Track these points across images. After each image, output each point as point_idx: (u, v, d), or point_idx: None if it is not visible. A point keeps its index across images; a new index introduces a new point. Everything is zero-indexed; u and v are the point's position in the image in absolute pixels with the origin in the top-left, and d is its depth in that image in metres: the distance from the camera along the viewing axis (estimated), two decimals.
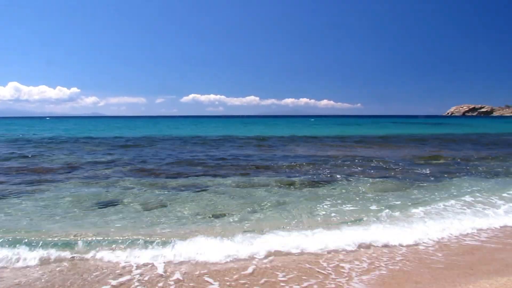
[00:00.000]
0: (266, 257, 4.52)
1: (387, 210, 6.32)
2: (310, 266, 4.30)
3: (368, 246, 4.93)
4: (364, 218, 6.01)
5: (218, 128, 45.72)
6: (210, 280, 3.94)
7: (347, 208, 6.75)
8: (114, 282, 3.87)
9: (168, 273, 4.08)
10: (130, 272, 4.11)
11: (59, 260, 4.42)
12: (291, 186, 8.75)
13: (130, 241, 4.81)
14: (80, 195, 7.67)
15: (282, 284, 3.86)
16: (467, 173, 10.37)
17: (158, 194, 7.89)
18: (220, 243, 4.77)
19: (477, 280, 3.93)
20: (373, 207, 6.78)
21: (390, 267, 4.32)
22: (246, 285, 3.83)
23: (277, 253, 4.62)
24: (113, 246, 4.69)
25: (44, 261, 4.38)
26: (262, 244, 4.76)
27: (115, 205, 7.01)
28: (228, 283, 3.87)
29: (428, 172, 10.67)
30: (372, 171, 10.97)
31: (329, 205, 6.88)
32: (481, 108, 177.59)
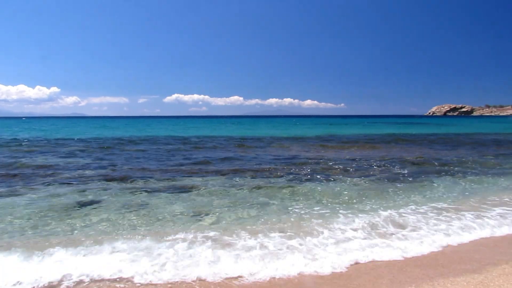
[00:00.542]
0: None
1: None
2: None
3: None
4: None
5: (200, 129, 45.36)
6: None
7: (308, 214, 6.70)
8: None
9: None
10: None
11: None
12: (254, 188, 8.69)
13: None
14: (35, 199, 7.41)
15: None
16: (442, 175, 10.46)
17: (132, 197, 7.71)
18: None
19: (454, 279, 3.95)
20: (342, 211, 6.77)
21: None
22: None
23: None
24: None
25: None
26: None
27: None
28: None
29: (406, 172, 10.78)
30: (351, 170, 11.08)
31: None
32: (461, 108, 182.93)
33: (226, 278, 3.99)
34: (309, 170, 10.96)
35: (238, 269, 4.14)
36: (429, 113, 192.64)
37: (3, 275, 3.93)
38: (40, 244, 4.90)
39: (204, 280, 3.93)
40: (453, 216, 6.23)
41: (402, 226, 5.73)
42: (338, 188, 8.46)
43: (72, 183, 8.91)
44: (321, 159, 13.56)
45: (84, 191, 8.13)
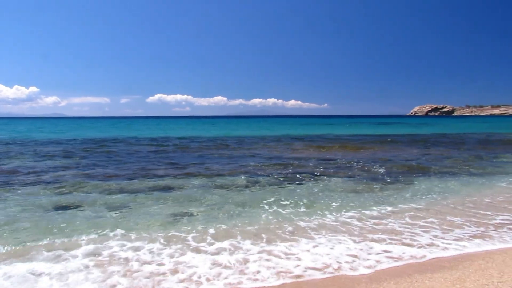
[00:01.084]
0: None
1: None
2: None
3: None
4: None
5: (182, 129, 44.97)
6: None
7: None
8: None
9: None
10: None
11: None
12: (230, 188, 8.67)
13: None
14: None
15: None
16: (421, 176, 10.68)
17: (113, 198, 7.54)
18: None
19: (432, 275, 4.02)
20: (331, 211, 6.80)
21: None
22: None
23: None
24: None
25: None
26: None
27: None
28: None
29: (382, 172, 10.96)
30: (331, 170, 11.22)
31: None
32: (443, 108, 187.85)
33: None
34: (290, 171, 11.02)
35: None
36: (411, 113, 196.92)
37: None
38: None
39: None
40: (428, 216, 6.36)
41: (384, 224, 5.84)
42: (315, 189, 8.54)
43: (47, 186, 8.68)
44: (302, 160, 13.65)
45: (59, 193, 7.94)
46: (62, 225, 5.79)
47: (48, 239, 5.14)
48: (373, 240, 5.16)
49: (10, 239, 5.14)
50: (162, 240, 5.09)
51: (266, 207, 6.89)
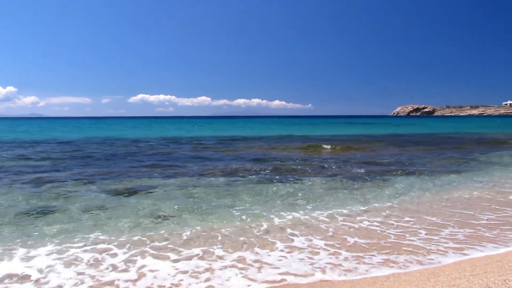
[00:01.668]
0: None
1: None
2: None
3: None
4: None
5: (163, 130, 44.51)
6: None
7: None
8: None
9: None
10: None
11: None
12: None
13: None
14: None
15: None
16: (400, 174, 10.95)
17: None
18: None
19: (407, 271, 4.15)
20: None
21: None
22: None
23: None
24: None
25: None
26: None
27: None
28: None
29: (362, 171, 11.16)
30: (311, 170, 11.37)
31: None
32: (424, 108, 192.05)
33: None
34: (269, 171, 11.10)
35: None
36: (394, 113, 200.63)
37: None
38: None
39: None
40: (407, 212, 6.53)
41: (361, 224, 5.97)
42: (291, 189, 8.63)
43: (23, 187, 8.48)
44: (283, 159, 13.77)
45: (33, 195, 7.76)
46: (29, 226, 5.71)
47: (11, 242, 5.05)
48: (352, 240, 5.27)
49: None
50: (128, 245, 4.98)
51: (241, 208, 6.86)
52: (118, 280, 3.98)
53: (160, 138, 26.69)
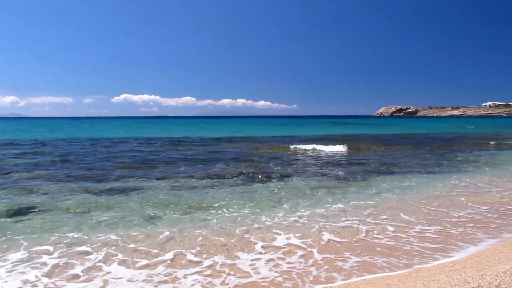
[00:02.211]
0: None
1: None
2: None
3: None
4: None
5: (145, 130, 43.99)
6: None
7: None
8: None
9: None
10: None
11: None
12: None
13: None
14: None
15: None
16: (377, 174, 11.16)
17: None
18: None
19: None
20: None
21: None
22: None
23: None
24: None
25: None
26: None
27: None
28: None
29: (345, 171, 11.34)
30: (293, 171, 11.52)
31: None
32: (407, 109, 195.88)
33: None
34: (251, 171, 11.14)
35: None
36: (377, 113, 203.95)
37: None
38: None
39: None
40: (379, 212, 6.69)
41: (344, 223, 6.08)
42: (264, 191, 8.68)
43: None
44: (266, 160, 13.84)
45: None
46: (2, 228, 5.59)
47: None
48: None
49: None
50: (100, 248, 4.87)
51: (219, 210, 6.78)
52: None
53: (143, 139, 26.40)
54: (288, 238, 5.25)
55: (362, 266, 4.31)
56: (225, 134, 33.09)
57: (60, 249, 4.82)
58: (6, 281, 3.93)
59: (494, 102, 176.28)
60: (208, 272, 4.18)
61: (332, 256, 4.60)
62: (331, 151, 17.13)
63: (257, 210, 6.73)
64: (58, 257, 4.56)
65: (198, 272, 4.17)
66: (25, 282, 3.92)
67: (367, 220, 6.15)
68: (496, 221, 5.99)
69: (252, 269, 4.26)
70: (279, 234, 5.42)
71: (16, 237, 5.27)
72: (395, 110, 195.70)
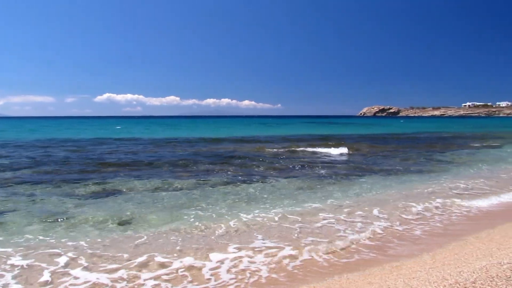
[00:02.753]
0: None
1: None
2: None
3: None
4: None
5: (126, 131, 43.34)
6: None
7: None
8: None
9: None
10: None
11: None
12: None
13: None
14: None
15: None
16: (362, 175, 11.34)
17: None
18: None
19: (369, 267, 4.34)
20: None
21: None
22: None
23: None
24: None
25: None
26: None
27: None
28: None
29: (327, 171, 11.48)
30: (275, 171, 11.60)
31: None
32: (389, 109, 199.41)
33: None
34: (231, 172, 11.17)
35: None
36: (361, 113, 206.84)
37: None
38: None
39: None
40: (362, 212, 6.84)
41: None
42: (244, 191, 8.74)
43: None
44: (248, 160, 13.87)
45: None
46: None
47: None
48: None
49: None
50: (70, 251, 4.76)
51: (196, 211, 6.69)
52: None
53: (126, 139, 26.00)
54: (263, 239, 5.28)
55: (339, 265, 4.40)
56: (209, 134, 32.91)
57: (25, 251, 4.74)
58: None
59: (473, 103, 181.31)
60: (166, 277, 4.09)
61: (310, 256, 4.67)
62: (315, 151, 17.26)
63: (235, 211, 6.70)
64: (24, 260, 4.48)
65: (157, 277, 4.10)
66: None
67: (343, 218, 6.26)
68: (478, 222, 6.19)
69: (213, 274, 4.18)
70: (256, 237, 5.41)
71: None
72: (378, 110, 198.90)
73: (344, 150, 16.93)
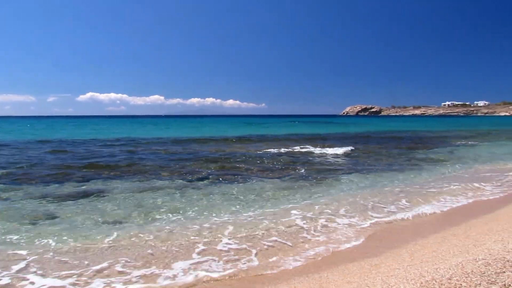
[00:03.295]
0: None
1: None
2: None
3: None
4: None
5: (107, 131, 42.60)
6: None
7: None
8: None
9: None
10: None
11: None
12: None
13: None
14: None
15: None
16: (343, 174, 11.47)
17: None
18: None
19: (351, 262, 4.37)
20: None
21: None
22: None
23: None
24: None
25: None
26: None
27: None
28: None
29: (307, 171, 11.57)
30: (255, 171, 11.61)
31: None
32: (371, 108, 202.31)
33: None
34: (217, 172, 11.14)
35: None
36: (344, 113, 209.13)
37: None
38: None
39: None
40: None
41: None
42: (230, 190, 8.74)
43: None
44: (234, 160, 13.86)
45: None
46: None
47: None
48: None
49: None
50: (33, 258, 4.60)
51: (170, 214, 6.59)
52: None
53: (107, 140, 25.54)
54: (229, 239, 5.29)
55: (306, 265, 4.46)
56: (195, 133, 32.68)
57: None
58: None
59: (452, 102, 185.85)
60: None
61: (276, 258, 4.69)
62: (299, 151, 17.34)
63: (211, 213, 6.64)
64: None
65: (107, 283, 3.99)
66: None
67: (314, 217, 6.32)
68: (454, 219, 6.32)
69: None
70: (225, 237, 5.39)
71: None
72: (360, 109, 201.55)
73: (328, 150, 17.07)
